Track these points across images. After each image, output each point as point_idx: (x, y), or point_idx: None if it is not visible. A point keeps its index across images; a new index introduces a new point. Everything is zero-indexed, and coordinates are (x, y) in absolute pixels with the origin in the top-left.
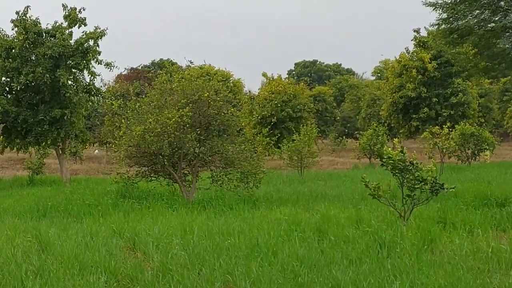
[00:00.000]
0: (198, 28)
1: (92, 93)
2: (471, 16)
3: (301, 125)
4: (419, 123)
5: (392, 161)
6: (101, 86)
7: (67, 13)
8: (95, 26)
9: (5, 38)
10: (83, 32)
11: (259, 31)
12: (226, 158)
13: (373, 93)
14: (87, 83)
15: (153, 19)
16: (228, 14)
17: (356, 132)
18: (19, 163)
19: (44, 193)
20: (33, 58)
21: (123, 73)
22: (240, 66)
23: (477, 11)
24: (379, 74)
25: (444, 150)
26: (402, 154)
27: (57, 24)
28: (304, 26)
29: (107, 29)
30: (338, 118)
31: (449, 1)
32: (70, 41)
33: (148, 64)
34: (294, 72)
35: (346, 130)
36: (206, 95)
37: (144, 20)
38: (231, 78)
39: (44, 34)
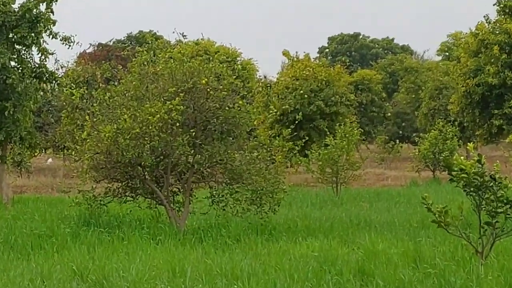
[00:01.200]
0: None
1: (44, 78)
2: None
3: (337, 124)
4: (503, 122)
5: (465, 175)
6: (57, 69)
7: None
8: None
9: None
10: None
11: None
12: (231, 170)
13: (439, 80)
14: (37, 65)
15: None
16: None
17: (414, 135)
18: None
19: None
20: None
21: (87, 51)
22: (252, 41)
23: None
24: (447, 53)
25: None
26: (480, 166)
27: None
28: None
29: None
30: (389, 114)
31: None
32: (13, 6)
33: (122, 38)
34: (327, 50)
35: (401, 132)
36: (203, 82)
37: None
38: (239, 58)
39: None
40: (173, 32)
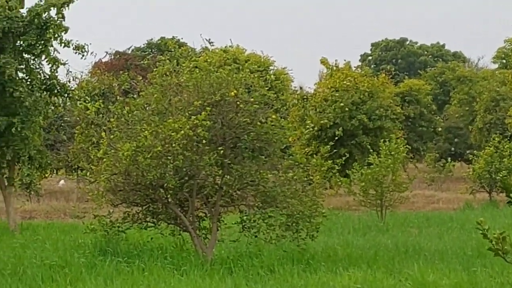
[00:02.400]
0: None
1: (55, 91)
2: None
3: (382, 140)
4: None
5: None
6: (69, 81)
7: None
8: None
9: None
10: None
11: None
12: (264, 192)
13: (495, 90)
14: (47, 76)
15: None
16: None
17: (468, 152)
18: None
19: None
20: None
21: (103, 60)
22: (286, 48)
23: None
24: (504, 61)
25: None
26: None
27: None
28: None
29: None
30: (440, 129)
31: None
32: (21, 11)
33: (142, 45)
34: (370, 58)
35: (453, 149)
36: (232, 94)
37: None
38: (271, 67)
39: None
40: (200, 36)
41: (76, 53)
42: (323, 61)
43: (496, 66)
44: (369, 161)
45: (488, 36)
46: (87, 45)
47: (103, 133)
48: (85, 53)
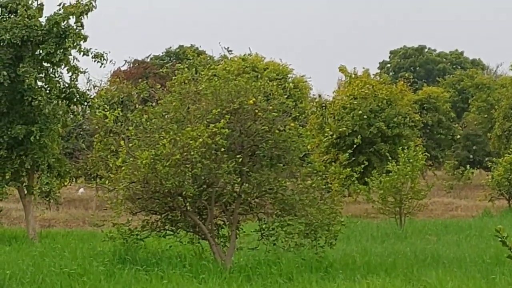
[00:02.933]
0: (242, 1)
1: (74, 99)
2: None
3: (400, 148)
4: None
5: None
6: (88, 89)
7: None
8: None
9: None
10: (59, 4)
11: (332, 5)
12: (282, 200)
13: None
14: (66, 85)
15: None
16: None
17: (487, 159)
18: None
19: None
20: None
21: (122, 69)
22: (305, 56)
23: None
24: None
25: None
26: None
27: None
28: None
29: None
30: (459, 136)
31: None
32: (40, 19)
33: (161, 54)
34: (389, 65)
35: (471, 156)
36: (251, 102)
37: None
38: (290, 75)
39: None
40: (219, 44)
41: (95, 61)
42: (342, 69)
43: None
44: (387, 169)
45: (507, 43)
46: (106, 53)
47: (121, 142)
48: (104, 61)
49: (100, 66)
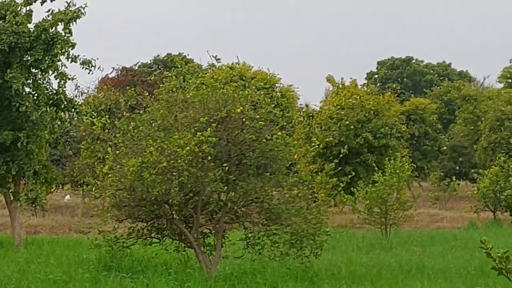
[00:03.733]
0: (230, 11)
1: (62, 106)
2: None
3: (387, 158)
4: None
5: None
6: (76, 96)
7: None
8: (66, 2)
9: None
10: (48, 11)
11: (320, 15)
12: (268, 209)
13: (501, 110)
14: (54, 91)
15: None
16: None
17: (472, 171)
18: None
19: None
20: None
21: (110, 76)
22: (292, 65)
23: None
24: (510, 80)
25: None
26: None
27: None
28: (390, 6)
29: (85, 6)
30: (445, 148)
31: None
32: (28, 26)
33: (149, 61)
34: (376, 76)
35: (457, 168)
36: (238, 110)
37: None
38: (277, 85)
39: None
40: (207, 53)
41: (83, 68)
42: (329, 79)
43: (502, 85)
44: (374, 179)
45: (494, 56)
46: (94, 60)
47: (108, 149)
48: (92, 68)
49: (88, 73)
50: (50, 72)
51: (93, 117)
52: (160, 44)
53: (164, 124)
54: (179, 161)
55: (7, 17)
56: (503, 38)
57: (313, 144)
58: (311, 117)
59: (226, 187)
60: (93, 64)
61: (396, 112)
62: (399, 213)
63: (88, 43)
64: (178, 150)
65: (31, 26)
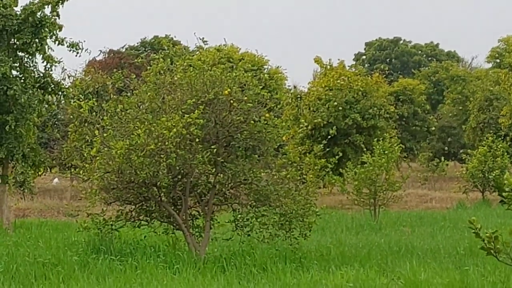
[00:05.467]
0: None
1: (49, 89)
2: None
3: (375, 139)
4: None
5: None
6: (63, 79)
7: None
8: None
9: None
10: None
11: None
12: (257, 191)
13: (489, 90)
14: (41, 74)
15: None
16: None
17: (461, 151)
18: None
19: None
20: None
21: (97, 59)
22: (280, 47)
23: None
24: (498, 60)
25: None
26: None
27: None
28: None
29: None
30: (434, 128)
31: None
32: (15, 9)
33: (136, 44)
34: (364, 57)
35: (446, 148)
36: (226, 92)
37: None
38: (265, 66)
39: None
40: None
41: (70, 50)
42: (317, 60)
43: (490, 65)
44: (362, 160)
45: (482, 36)
46: (82, 42)
47: (96, 131)
48: (79, 51)
49: (76, 55)
50: (38, 55)
51: (80, 100)
52: (147, 27)
53: (151, 107)
54: (167, 143)
55: None
56: (491, 18)
57: (301, 125)
58: (299, 99)
59: (214, 169)
60: (81, 47)
61: (385, 93)
62: (388, 194)
63: (74, 25)
64: (165, 132)
65: (17, 9)
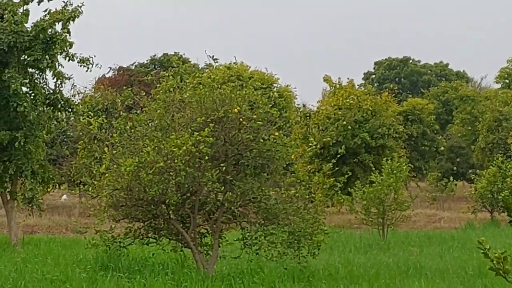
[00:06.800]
0: (227, 10)
1: (59, 106)
2: None
3: (384, 158)
4: None
5: None
6: (73, 96)
7: None
8: (63, 1)
9: None
10: (46, 10)
11: (317, 15)
12: (266, 209)
13: (498, 110)
14: (51, 91)
15: None
16: None
17: (470, 172)
18: None
19: None
20: None
21: (106, 76)
22: (290, 65)
23: None
24: (507, 80)
25: None
26: None
27: None
28: (387, 6)
29: (82, 5)
30: (443, 148)
31: None
32: (26, 25)
33: (145, 61)
34: (373, 76)
35: (455, 168)
36: (236, 110)
37: None
38: (275, 85)
39: None
40: (205, 52)
41: (81, 66)
42: (327, 79)
43: (499, 86)
44: (371, 180)
45: (491, 56)
46: (92, 57)
47: (105, 148)
48: (90, 66)
49: (86, 71)
50: (48, 71)
51: (90, 117)
52: (157, 44)
53: (161, 124)
54: (176, 161)
55: (5, 16)
56: (500, 38)
57: (310, 144)
58: (308, 117)
59: (223, 187)
60: (91, 62)
61: (394, 112)
62: (396, 214)
63: (84, 42)
64: (175, 150)
65: (28, 25)
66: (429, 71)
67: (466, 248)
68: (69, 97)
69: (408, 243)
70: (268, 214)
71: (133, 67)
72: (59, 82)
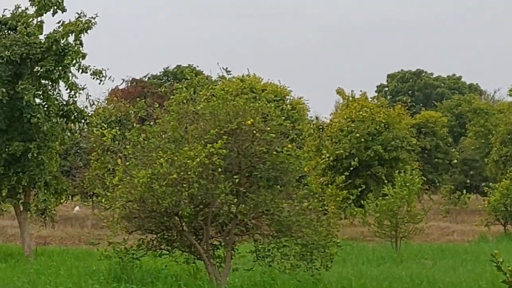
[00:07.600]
0: (240, 21)
1: (72, 117)
2: None
3: (397, 171)
4: None
5: None
6: (86, 107)
7: None
8: (77, 13)
9: None
10: (59, 22)
11: (328, 28)
12: (279, 221)
13: (511, 123)
14: (65, 102)
15: (165, 2)
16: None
17: (483, 184)
18: None
19: None
20: None
21: (120, 87)
22: (303, 78)
23: None
24: None
25: None
26: None
27: (19, 9)
28: (400, 20)
29: (96, 16)
30: (456, 161)
31: None
32: (39, 37)
33: (158, 73)
34: (386, 89)
35: (468, 181)
36: (249, 122)
37: (154, 5)
38: (288, 97)
39: None
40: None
41: (94, 78)
42: (340, 92)
43: None
44: (384, 192)
45: (505, 69)
46: (105, 70)
47: (118, 160)
48: (103, 78)
49: (99, 83)
50: (61, 82)
51: (103, 128)
52: (170, 56)
53: (174, 136)
54: (189, 172)
55: (18, 27)
56: None
57: (323, 156)
58: (321, 130)
59: (236, 199)
60: (104, 74)
61: (407, 125)
62: (409, 226)
63: (97, 54)
64: (188, 162)
65: (42, 37)
66: (442, 84)
67: (479, 261)
68: (83, 107)
69: (421, 256)
70: (281, 226)
71: (146, 79)
72: (72, 93)
